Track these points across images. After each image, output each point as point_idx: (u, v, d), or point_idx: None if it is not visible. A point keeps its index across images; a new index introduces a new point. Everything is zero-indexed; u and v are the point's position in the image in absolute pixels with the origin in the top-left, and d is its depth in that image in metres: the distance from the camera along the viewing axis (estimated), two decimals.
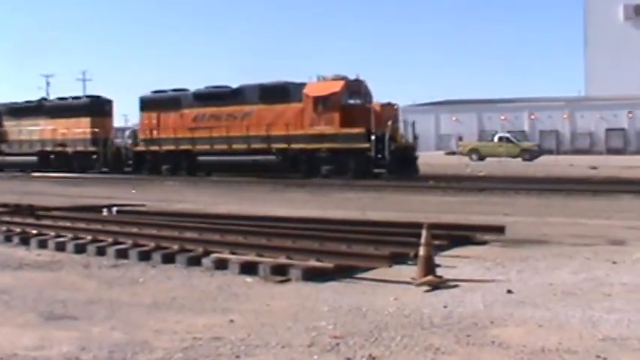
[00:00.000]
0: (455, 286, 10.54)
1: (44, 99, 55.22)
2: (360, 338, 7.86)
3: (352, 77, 39.37)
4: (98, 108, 50.79)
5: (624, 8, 68.33)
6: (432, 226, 11.89)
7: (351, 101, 38.85)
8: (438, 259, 11.67)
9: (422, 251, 10.98)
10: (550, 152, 74.20)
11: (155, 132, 45.08)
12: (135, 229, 15.83)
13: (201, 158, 42.73)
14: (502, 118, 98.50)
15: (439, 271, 11.05)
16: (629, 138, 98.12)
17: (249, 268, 11.83)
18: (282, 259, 12.05)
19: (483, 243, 14.72)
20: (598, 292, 10.13)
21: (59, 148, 50.96)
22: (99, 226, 16.57)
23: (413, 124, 39.90)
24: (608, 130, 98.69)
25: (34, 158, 51.62)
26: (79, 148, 49.83)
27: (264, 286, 10.97)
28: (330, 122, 37.92)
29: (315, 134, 38.26)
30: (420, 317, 8.76)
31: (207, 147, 42.24)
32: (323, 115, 38.08)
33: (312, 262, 11.74)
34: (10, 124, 54.77)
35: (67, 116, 50.07)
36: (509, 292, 10.11)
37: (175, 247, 13.60)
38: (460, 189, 30.39)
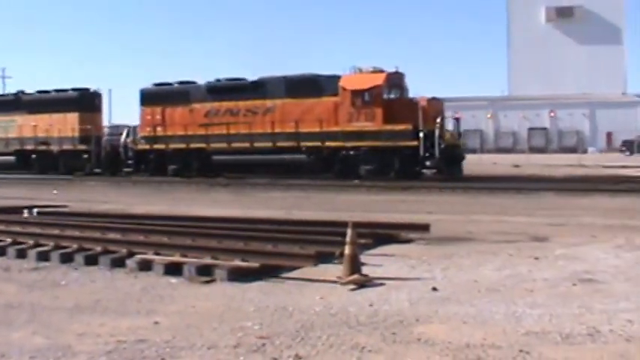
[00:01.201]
0: (380, 285, 10.58)
1: (22, 92, 48.82)
2: (286, 338, 7.84)
3: (392, 69, 36.36)
4: (87, 102, 45.83)
5: (546, 10, 69.49)
6: (357, 225, 11.92)
7: (392, 95, 35.91)
8: (363, 258, 11.69)
9: (347, 250, 11.00)
10: (474, 151, 75.06)
11: (159, 128, 41.18)
12: (57, 231, 15.57)
13: (216, 157, 38.86)
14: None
15: (365, 270, 11.08)
16: (551, 137, 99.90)
17: (173, 269, 11.72)
18: (208, 260, 11.97)
19: (408, 241, 14.81)
20: (521, 287, 10.28)
21: (42, 147, 46.01)
22: (19, 228, 16.24)
23: (458, 120, 37.59)
24: (530, 129, 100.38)
25: (11, 158, 46.91)
26: (66, 147, 44.89)
27: (189, 286, 10.88)
28: (371, 118, 34.61)
29: (354, 131, 34.82)
30: (346, 316, 8.77)
31: (224, 145, 38.43)
32: (363, 110, 34.76)
33: (238, 262, 11.69)
34: None
35: (51, 111, 45.09)
36: (434, 289, 10.19)
37: (98, 248, 13.40)
38: (385, 187, 30.52)
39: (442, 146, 33.37)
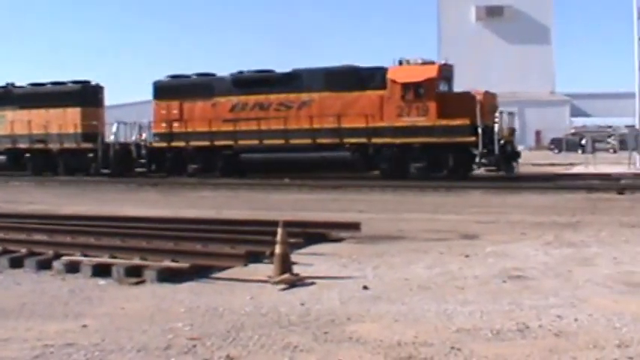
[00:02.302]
0: (312, 284, 10.56)
1: (12, 85, 43.79)
2: (217, 339, 7.77)
3: (442, 61, 34.82)
4: (90, 96, 41.52)
5: (476, 9, 70.36)
6: (288, 224, 11.88)
7: (444, 88, 33.68)
8: (294, 257, 11.65)
9: (278, 249, 10.96)
10: None
11: (176, 124, 37.48)
12: None
13: (245, 156, 35.71)
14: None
15: (296, 269, 11.06)
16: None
17: (102, 271, 11.54)
18: (137, 260, 11.82)
19: (339, 240, 14.85)
20: (452, 285, 10.34)
21: (38, 146, 41.42)
22: None
23: (513, 115, 35.73)
24: None
25: (2, 158, 42.54)
26: (68, 145, 40.40)
27: (118, 288, 10.73)
28: (423, 113, 32.17)
29: (405, 127, 32.29)
30: (277, 316, 8.73)
31: (254, 142, 35.28)
32: (415, 104, 32.27)
33: (168, 263, 11.57)
34: None
35: (48, 106, 40.62)
36: (365, 288, 10.19)
37: (24, 250, 13.11)
38: (316, 186, 30.53)
39: (501, 142, 31.79)
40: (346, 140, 33.47)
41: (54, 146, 40.93)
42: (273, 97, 35.26)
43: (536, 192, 26.44)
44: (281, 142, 34.59)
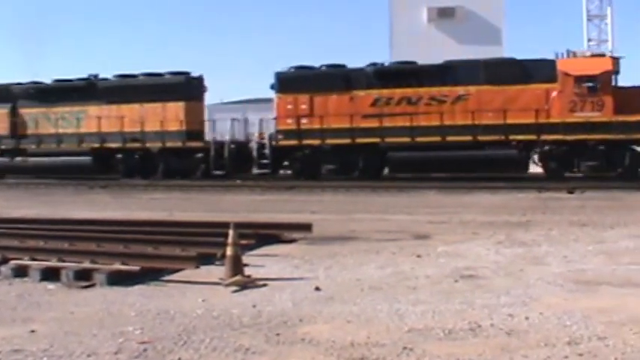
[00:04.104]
0: (263, 285, 10.53)
1: (95, 77, 38.42)
2: (168, 342, 7.70)
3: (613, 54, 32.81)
4: (193, 89, 36.98)
5: (428, 10, 70.60)
6: (239, 226, 11.84)
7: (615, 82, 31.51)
8: (246, 259, 11.62)
9: (229, 251, 10.91)
10: None
11: (305, 120, 33.75)
12: None
13: (394, 154, 32.43)
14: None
15: (247, 271, 11.01)
16: None
17: (51, 275, 11.39)
18: (86, 264, 11.70)
19: (291, 241, 14.83)
20: (404, 285, 10.36)
21: (133, 145, 36.66)
22: None
23: None
24: None
25: (86, 159, 37.16)
26: (171, 145, 35.83)
27: (67, 292, 10.59)
28: (599, 108, 30.08)
29: (578, 122, 30.07)
30: (229, 318, 8.67)
31: (405, 139, 32.01)
32: (589, 98, 30.16)
33: (118, 266, 11.46)
34: (32, 112, 38.93)
35: (143, 100, 35.99)
36: (317, 289, 10.18)
37: None
38: (269, 187, 30.49)
39: None
40: (512, 137, 31.11)
41: (153, 145, 36.31)
42: (423, 90, 32.48)
43: (488, 192, 26.63)
44: (437, 139, 31.69)
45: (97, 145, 37.02)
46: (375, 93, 32.93)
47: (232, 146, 35.51)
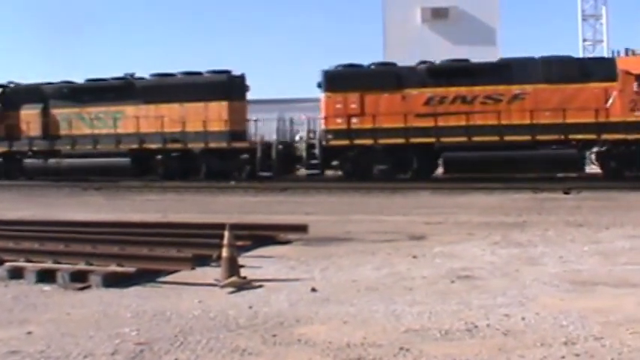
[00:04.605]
0: (260, 287, 10.52)
1: (132, 76, 37.56)
2: (165, 343, 7.69)
3: None
4: (236, 88, 35.81)
5: (422, 11, 70.69)
6: (235, 227, 11.86)
7: None
8: (241, 260, 11.63)
9: (225, 252, 10.90)
10: None
11: (355, 120, 32.93)
12: None
13: (450, 154, 31.87)
14: (303, 117, 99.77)
15: (243, 272, 11.01)
16: None
17: (47, 276, 11.37)
18: (82, 266, 11.69)
19: (287, 242, 14.83)
20: (400, 286, 10.37)
21: (174, 146, 35.65)
22: None
23: None
24: None
25: (124, 160, 36.02)
26: (214, 145, 34.77)
27: (63, 294, 10.57)
28: None
29: None
30: (225, 319, 8.67)
31: (462, 139, 31.38)
32: None
33: (113, 267, 11.45)
34: (65, 112, 37.65)
35: (183, 99, 34.98)
36: (313, 290, 10.17)
37: None
38: (263, 189, 30.47)
39: None
40: (572, 137, 30.64)
41: (195, 146, 35.30)
42: (477, 89, 31.80)
43: (483, 192, 26.64)
44: (494, 138, 31.08)
45: (135, 146, 35.92)
46: (428, 92, 32.29)
47: (280, 147, 34.75)
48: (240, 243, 12.57)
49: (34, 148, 38.00)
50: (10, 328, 8.57)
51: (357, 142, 32.72)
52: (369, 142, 32.56)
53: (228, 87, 35.29)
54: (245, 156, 34.64)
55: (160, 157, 35.89)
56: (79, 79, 38.80)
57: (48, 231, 15.60)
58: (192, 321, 8.64)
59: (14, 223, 17.95)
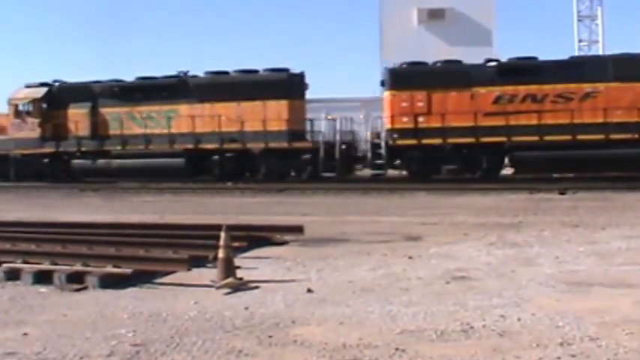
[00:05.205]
0: (256, 288, 10.52)
1: (185, 74, 36.37)
2: (161, 344, 7.69)
3: None
4: (296, 86, 35.00)
5: (418, 12, 70.76)
6: (231, 228, 11.84)
7: None
8: (238, 261, 11.63)
9: (221, 253, 10.89)
10: None
11: (422, 119, 32.22)
12: None
13: (520, 154, 31.43)
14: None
15: (239, 273, 11.00)
16: None
17: (43, 278, 11.35)
18: (79, 267, 11.67)
19: (283, 243, 14.83)
20: (396, 287, 10.37)
21: (232, 146, 34.55)
22: None
23: None
24: None
25: (179, 161, 34.87)
26: (274, 145, 33.83)
27: (60, 295, 10.56)
28: None
29: None
30: (221, 320, 8.67)
31: (533, 138, 30.97)
32: None
33: (110, 269, 11.45)
34: (115, 112, 36.74)
35: (240, 98, 33.97)
36: (309, 291, 10.18)
37: None
38: (260, 190, 30.48)
39: None
40: None
41: (255, 146, 34.32)
42: (548, 87, 31.37)
43: (479, 193, 26.67)
44: (567, 137, 30.67)
45: (190, 146, 34.95)
46: (497, 90, 31.86)
47: (343, 147, 34.13)
48: (236, 244, 12.58)
49: (83, 149, 37.00)
50: (7, 330, 8.57)
51: (425, 141, 32.07)
52: (437, 141, 31.94)
53: (288, 85, 34.48)
54: (307, 156, 33.77)
55: (216, 157, 34.81)
56: (125, 78, 37.97)
57: (45, 232, 15.60)
58: (189, 322, 8.64)
59: (11, 224, 17.93)
